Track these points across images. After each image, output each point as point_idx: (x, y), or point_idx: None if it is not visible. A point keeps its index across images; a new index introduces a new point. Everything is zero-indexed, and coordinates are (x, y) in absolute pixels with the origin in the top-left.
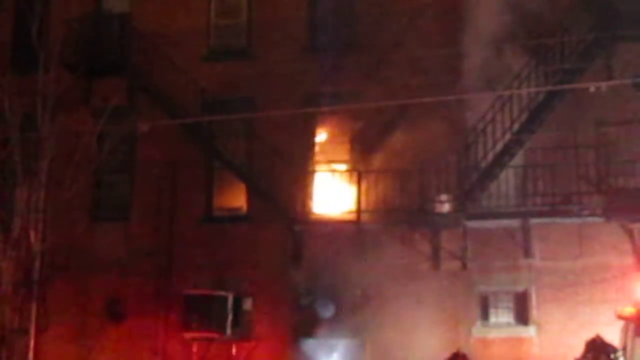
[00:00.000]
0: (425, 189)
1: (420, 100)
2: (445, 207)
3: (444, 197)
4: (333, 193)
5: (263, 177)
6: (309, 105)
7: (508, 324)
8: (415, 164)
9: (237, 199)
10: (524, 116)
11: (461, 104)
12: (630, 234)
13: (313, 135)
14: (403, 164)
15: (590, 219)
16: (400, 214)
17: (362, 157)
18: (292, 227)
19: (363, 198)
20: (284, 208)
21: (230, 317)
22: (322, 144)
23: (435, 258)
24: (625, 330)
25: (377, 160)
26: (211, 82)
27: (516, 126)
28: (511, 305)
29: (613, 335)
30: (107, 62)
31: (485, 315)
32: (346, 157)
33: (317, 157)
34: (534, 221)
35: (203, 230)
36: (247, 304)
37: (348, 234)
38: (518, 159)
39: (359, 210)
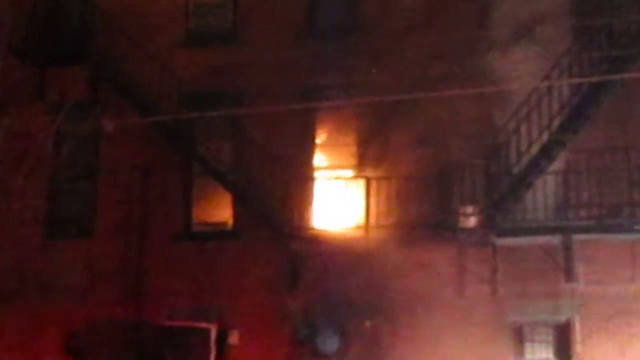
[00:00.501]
0: (447, 200)
1: (441, 94)
2: (471, 221)
3: (469, 209)
4: (336, 204)
5: (253, 185)
6: (307, 100)
7: None
8: (434, 169)
9: (222, 211)
10: (565, 112)
11: (490, 98)
12: None
13: (312, 135)
14: (420, 169)
15: None
16: (417, 229)
17: (371, 161)
18: (287, 245)
19: (372, 210)
20: (277, 222)
21: (213, 354)
22: (323, 146)
23: (459, 282)
24: None
25: (389, 165)
26: (190, 72)
27: (556, 124)
28: (550, 338)
29: None
30: (65, 48)
31: (519, 350)
32: (352, 161)
33: (318, 161)
34: (577, 237)
35: (180, 248)
36: (234, 338)
37: (355, 253)
38: (558, 164)
39: (367, 225)
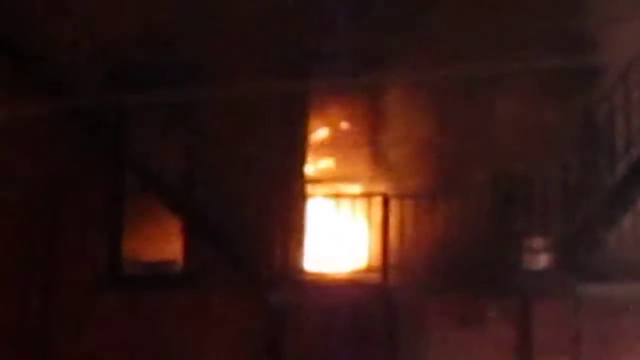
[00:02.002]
0: (506, 229)
1: (496, 69)
2: (541, 261)
3: (538, 242)
4: (340, 235)
5: (215, 206)
6: (297, 78)
7: None
8: (486, 183)
9: (168, 244)
10: None
11: (568, 74)
12: None
13: (304, 131)
14: (465, 184)
15: None
16: (460, 272)
17: (391, 170)
18: (266, 295)
19: (392, 243)
20: (251, 262)
21: None
22: (320, 147)
23: (524, 350)
24: None
25: (418, 176)
26: (124, 35)
27: None
28: None
29: None
30: None
31: None
32: (363, 170)
33: (312, 171)
34: None
35: (105, 300)
36: None
37: (366, 309)
38: None
39: (385, 266)
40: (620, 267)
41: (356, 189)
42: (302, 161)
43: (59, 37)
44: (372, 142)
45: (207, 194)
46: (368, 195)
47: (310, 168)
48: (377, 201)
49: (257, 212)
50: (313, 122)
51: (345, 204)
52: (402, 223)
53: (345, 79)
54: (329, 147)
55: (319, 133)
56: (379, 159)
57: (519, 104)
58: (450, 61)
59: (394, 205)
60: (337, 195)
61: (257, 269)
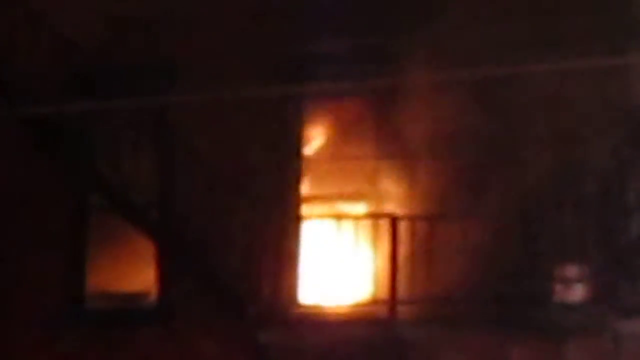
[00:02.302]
0: (532, 255)
1: (525, 69)
2: (575, 292)
3: (571, 271)
4: (341, 263)
5: (194, 228)
6: (289, 81)
7: None
8: (509, 202)
9: (139, 274)
10: None
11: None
12: None
13: (297, 142)
14: (484, 202)
15: None
16: (480, 305)
17: (399, 187)
18: (254, 335)
19: (402, 273)
20: (238, 295)
21: None
22: (316, 161)
23: None
24: None
25: (430, 194)
26: (87, 31)
27: None
28: None
29: None
30: None
31: None
32: (366, 187)
33: (307, 188)
34: None
35: (66, 338)
36: None
37: (371, 348)
38: None
39: (393, 299)
40: None
41: (360, 208)
42: (296, 178)
43: (18, 35)
44: (378, 155)
45: (186, 215)
46: (374, 217)
47: (307, 184)
48: (384, 223)
49: (245, 236)
50: (309, 133)
51: (348, 226)
52: (412, 249)
53: (348, 82)
54: (328, 161)
55: (317, 145)
56: (386, 174)
57: (549, 112)
58: (468, 62)
59: (403, 227)
60: (338, 217)
61: (244, 303)
